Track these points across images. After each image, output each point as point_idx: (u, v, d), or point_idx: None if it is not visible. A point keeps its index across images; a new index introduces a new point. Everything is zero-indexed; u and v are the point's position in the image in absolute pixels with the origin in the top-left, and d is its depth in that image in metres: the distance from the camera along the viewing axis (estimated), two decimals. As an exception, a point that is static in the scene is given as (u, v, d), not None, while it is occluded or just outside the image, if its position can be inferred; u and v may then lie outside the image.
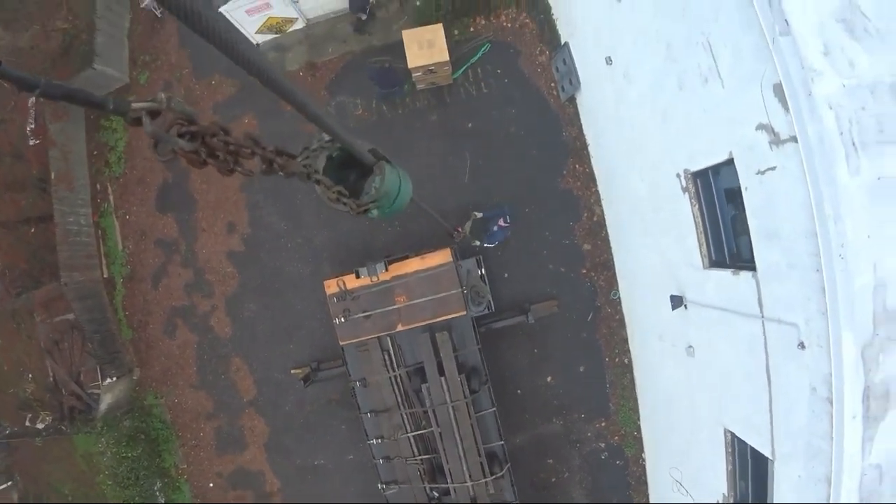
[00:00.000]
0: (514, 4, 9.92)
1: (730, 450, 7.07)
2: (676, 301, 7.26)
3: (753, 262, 5.66)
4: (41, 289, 10.18)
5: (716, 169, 6.16)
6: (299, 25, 10.21)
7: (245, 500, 10.53)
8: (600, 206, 9.54)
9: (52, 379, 11.38)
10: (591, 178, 9.53)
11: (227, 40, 1.31)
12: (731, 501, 7.02)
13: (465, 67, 9.84)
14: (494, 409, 8.85)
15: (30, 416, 11.71)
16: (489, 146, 9.65)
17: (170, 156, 1.47)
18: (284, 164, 1.87)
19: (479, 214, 9.29)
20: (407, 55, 8.93)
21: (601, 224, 9.51)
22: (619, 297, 9.49)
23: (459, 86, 9.82)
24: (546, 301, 9.46)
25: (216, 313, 10.34)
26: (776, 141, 4.90)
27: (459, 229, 8.24)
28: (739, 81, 5.14)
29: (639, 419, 9.45)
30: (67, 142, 10.44)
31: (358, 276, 8.64)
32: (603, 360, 9.54)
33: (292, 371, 10.02)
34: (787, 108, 4.64)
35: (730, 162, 5.66)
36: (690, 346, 7.41)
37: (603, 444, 9.54)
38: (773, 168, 5.03)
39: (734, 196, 6.00)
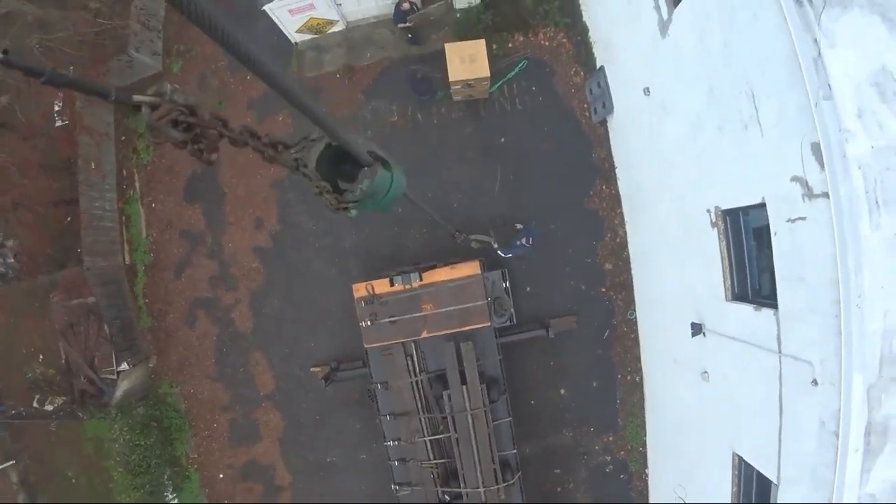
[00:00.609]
0: (552, 24, 10.15)
1: (736, 472, 7.45)
2: (696, 329, 7.60)
3: (775, 299, 6.01)
4: (64, 272, 10.16)
5: (746, 209, 6.47)
6: (339, 28, 10.31)
7: (254, 493, 10.69)
8: (624, 228, 9.84)
9: (64, 361, 11.37)
10: (616, 201, 9.83)
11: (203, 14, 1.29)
12: (736, 522, 7.39)
13: (501, 82, 10.04)
14: (510, 418, 9.14)
15: (38, 397, 11.69)
16: (520, 162, 9.89)
17: (162, 141, 1.59)
18: (275, 157, 1.99)
19: (520, 226, 9.32)
20: (448, 68, 9.10)
21: (623, 245, 9.83)
22: (635, 317, 9.83)
23: (495, 100, 10.02)
24: (566, 316, 9.76)
25: (239, 307, 10.45)
26: (809, 194, 5.23)
27: (458, 232, 8.15)
28: (779, 134, 5.45)
29: (645, 436, 9.82)
30: (97, 126, 10.41)
31: (392, 284, 8.82)
32: (615, 376, 9.88)
33: (312, 369, 10.19)
34: (822, 166, 4.97)
35: (761, 206, 5.98)
36: (705, 372, 7.76)
37: (609, 458, 9.91)
38: (804, 218, 5.36)
39: (761, 235, 6.33)
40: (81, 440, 11.37)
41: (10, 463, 12.26)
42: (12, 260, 11.24)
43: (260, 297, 10.41)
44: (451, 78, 9.09)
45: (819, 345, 5.43)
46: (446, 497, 9.21)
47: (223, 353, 10.59)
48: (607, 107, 9.52)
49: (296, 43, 10.41)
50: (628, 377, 9.89)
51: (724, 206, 6.77)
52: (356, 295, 9.10)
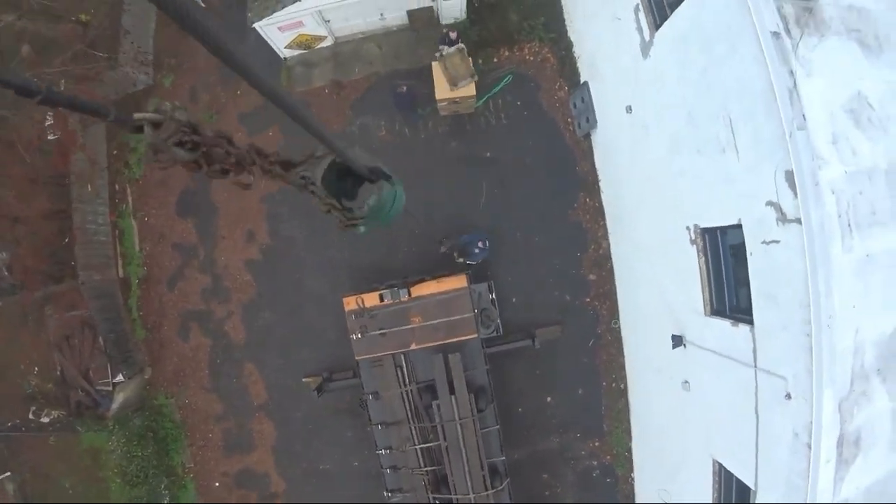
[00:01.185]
0: (537, 39, 10.33)
1: (717, 478, 7.75)
2: (677, 340, 7.86)
3: (751, 316, 6.26)
4: (59, 286, 10.29)
5: (724, 229, 6.71)
6: (328, 43, 10.45)
7: (249, 500, 10.91)
8: (607, 239, 10.08)
9: (59, 374, 11.50)
10: (600, 213, 10.06)
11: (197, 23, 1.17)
12: (715, 525, 7.69)
13: (487, 97, 10.22)
14: (498, 426, 9.39)
15: (34, 408, 11.82)
16: (505, 175, 10.09)
17: (170, 164, 1.47)
18: (282, 175, 1.93)
19: (466, 237, 9.49)
20: (435, 87, 9.27)
21: (607, 256, 10.07)
22: (619, 326, 10.09)
23: (480, 115, 10.21)
24: (551, 326, 10.00)
25: (232, 319, 10.62)
26: (782, 219, 5.46)
27: (444, 240, 8.61)
28: (755, 160, 5.68)
29: (630, 441, 10.11)
30: (89, 142, 10.51)
31: (382, 300, 9.03)
32: (600, 384, 10.15)
33: (304, 379, 10.39)
34: (795, 194, 5.19)
35: (738, 226, 6.22)
36: (686, 382, 8.03)
37: (595, 463, 10.19)
38: (777, 241, 5.60)
39: (739, 252, 6.57)
40: (77, 451, 11.52)
41: (6, 475, 12.40)
42: (7, 273, 11.35)
43: (252, 310, 10.59)
44: (438, 96, 9.27)
45: (792, 361, 5.70)
46: (437, 503, 9.47)
47: (217, 364, 10.77)
48: (591, 121, 9.73)
49: (285, 58, 10.54)
50: (613, 384, 10.16)
51: (703, 225, 7.01)
52: (347, 308, 9.29)
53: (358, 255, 10.31)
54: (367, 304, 9.21)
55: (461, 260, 9.33)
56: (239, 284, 10.57)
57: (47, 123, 11.04)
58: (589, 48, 9.77)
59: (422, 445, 9.33)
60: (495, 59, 10.30)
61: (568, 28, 10.36)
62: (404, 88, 9.56)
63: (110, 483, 10.79)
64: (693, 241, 7.21)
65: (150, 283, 10.84)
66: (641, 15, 7.57)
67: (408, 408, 9.34)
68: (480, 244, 9.11)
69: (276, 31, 9.70)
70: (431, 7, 10.02)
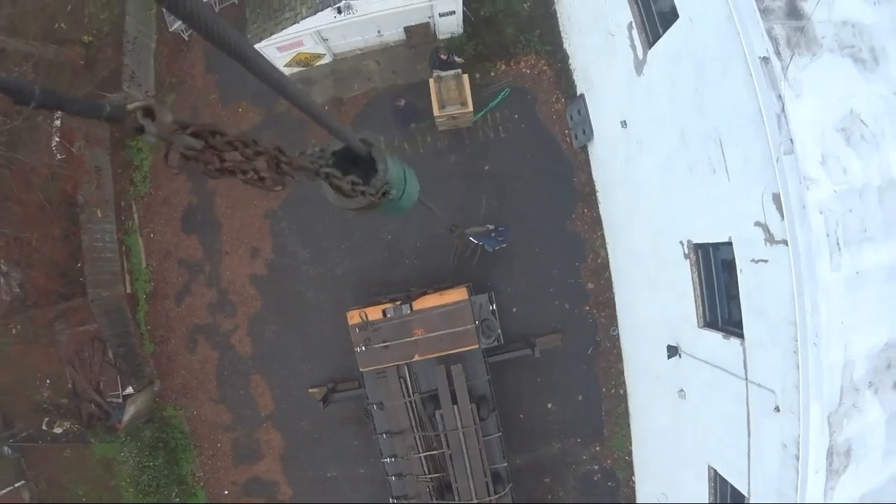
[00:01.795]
0: (533, 52, 10.46)
1: (713, 484, 7.96)
2: (672, 351, 8.05)
3: (742, 330, 6.44)
4: (69, 303, 10.53)
5: (716, 245, 6.88)
6: (326, 60, 10.60)
7: (258, 507, 11.19)
8: (605, 248, 10.26)
9: (70, 386, 11.77)
10: (597, 223, 10.23)
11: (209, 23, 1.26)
12: (713, 530, 7.90)
13: (484, 111, 10.37)
14: (500, 434, 9.62)
15: (46, 420, 12.11)
16: (504, 188, 10.26)
17: (182, 163, 1.42)
18: (291, 161, 1.79)
19: (491, 226, 9.85)
20: (433, 103, 9.43)
21: (605, 266, 10.25)
22: (617, 334, 10.29)
23: (479, 129, 10.37)
24: (550, 334, 10.20)
25: (238, 332, 10.85)
26: (770, 240, 5.63)
27: (457, 225, 8.61)
28: (744, 181, 5.84)
29: (631, 445, 10.33)
30: (95, 162, 10.71)
31: (385, 316, 9.24)
32: (600, 390, 10.36)
33: (310, 390, 10.63)
34: (782, 216, 5.35)
35: (728, 244, 6.38)
36: (682, 390, 8.23)
37: (597, 467, 10.42)
38: (766, 261, 5.77)
39: (731, 267, 6.74)
40: (90, 461, 11.81)
41: (22, 482, 12.72)
42: (18, 290, 11.60)
43: (258, 323, 10.82)
44: (436, 112, 9.42)
45: (781, 375, 5.88)
46: (441, 509, 9.72)
47: (224, 376, 11.01)
48: (587, 133, 9.88)
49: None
50: (612, 390, 10.37)
51: (696, 241, 7.18)
52: (351, 322, 9.50)
53: (360, 268, 10.52)
54: (371, 318, 9.42)
55: (475, 242, 9.31)
56: (244, 298, 10.79)
57: (53, 143, 11.25)
58: (584, 62, 9.91)
59: (426, 453, 9.57)
60: (492, 73, 10.44)
61: (564, 40, 10.49)
62: (402, 102, 9.71)
63: (123, 492, 11.07)
64: (686, 256, 7.39)
65: (158, 298, 11.07)
66: (635, 33, 7.71)
67: (412, 417, 9.56)
68: (500, 237, 9.24)
69: (275, 51, 9.87)
70: (428, 23, 10.17)
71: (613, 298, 10.26)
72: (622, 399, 10.36)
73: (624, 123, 8.52)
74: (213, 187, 10.86)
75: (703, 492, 8.11)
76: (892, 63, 5.89)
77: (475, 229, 9.20)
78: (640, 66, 7.77)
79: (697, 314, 7.40)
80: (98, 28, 11.82)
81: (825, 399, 5.60)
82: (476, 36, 10.37)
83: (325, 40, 9.98)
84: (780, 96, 5.40)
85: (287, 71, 10.61)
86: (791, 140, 5.30)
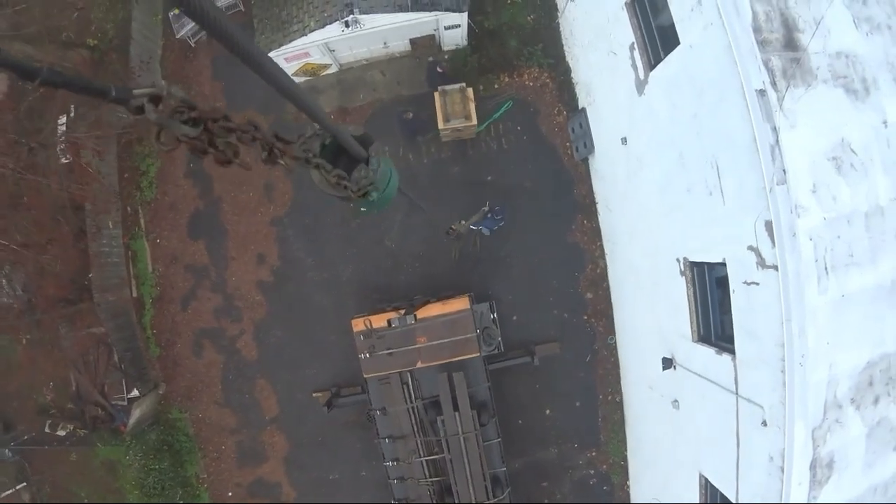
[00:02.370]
0: (536, 64, 10.66)
1: (703, 491, 8.28)
2: (667, 363, 8.33)
3: (734, 346, 6.73)
4: (76, 307, 10.66)
5: (710, 264, 7.15)
6: (333, 70, 10.75)
7: (261, 508, 11.42)
8: (604, 259, 10.52)
9: (74, 389, 11.91)
10: (597, 234, 10.49)
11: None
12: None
13: (488, 123, 10.58)
14: (499, 439, 9.90)
15: (49, 422, 12.24)
16: (505, 199, 10.47)
17: (174, 144, 1.46)
18: (284, 150, 1.85)
19: (486, 208, 10.00)
20: (438, 116, 9.62)
21: (603, 276, 10.51)
22: (615, 343, 10.57)
23: (482, 140, 10.58)
24: (549, 343, 10.47)
25: (244, 337, 11.04)
26: (762, 264, 5.90)
27: (453, 227, 8.81)
28: (739, 207, 6.09)
29: (626, 451, 10.65)
30: (101, 164, 10.81)
31: (391, 326, 9.47)
32: (597, 397, 10.66)
33: (314, 394, 10.85)
34: (773, 243, 5.61)
35: (723, 264, 6.65)
36: (676, 401, 8.53)
37: (593, 471, 10.73)
38: (757, 283, 6.04)
39: (724, 285, 7.01)
40: (92, 462, 11.98)
41: (23, 485, 12.86)
42: (21, 292, 11.71)
43: (263, 328, 11.01)
44: (441, 126, 9.61)
45: (768, 392, 6.18)
46: (442, 512, 10.00)
47: (229, 380, 11.21)
48: (588, 146, 10.11)
49: (291, 85, 10.82)
50: (609, 397, 10.67)
51: (692, 259, 7.44)
52: (355, 329, 9.73)
53: (364, 275, 10.72)
54: (375, 326, 9.64)
55: (473, 228, 9.50)
56: (250, 304, 10.97)
57: (59, 147, 11.34)
58: (586, 76, 10.12)
59: (427, 458, 9.83)
60: (496, 86, 10.64)
61: (566, 54, 10.70)
62: (410, 115, 9.90)
63: (127, 494, 11.26)
64: (682, 272, 7.65)
65: (164, 302, 11.22)
66: (637, 53, 7.92)
67: (414, 422, 9.82)
68: (496, 217, 9.38)
69: (283, 62, 10.00)
70: (433, 35, 10.33)
71: (611, 308, 10.53)
72: (618, 406, 10.66)
73: (624, 140, 8.75)
74: (220, 193, 11.01)
75: (694, 498, 8.43)
76: (882, 93, 6.13)
77: (472, 218, 9.40)
78: (641, 86, 7.99)
79: (692, 329, 7.67)
80: (103, 32, 11.89)
81: (810, 415, 5.90)
82: (480, 48, 10.55)
83: (332, 51, 10.12)
84: (774, 128, 5.63)
85: (294, 80, 10.74)
86: (784, 171, 5.55)
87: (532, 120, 10.60)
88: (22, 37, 11.15)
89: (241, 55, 1.55)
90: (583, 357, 10.61)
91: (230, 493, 11.45)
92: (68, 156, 11.27)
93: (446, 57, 10.59)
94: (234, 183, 10.94)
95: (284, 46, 9.28)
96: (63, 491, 12.25)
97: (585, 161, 10.54)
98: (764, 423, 6.33)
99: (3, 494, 12.42)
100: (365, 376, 9.87)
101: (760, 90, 5.65)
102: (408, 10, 8.82)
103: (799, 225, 5.56)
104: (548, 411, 10.75)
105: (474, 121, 9.58)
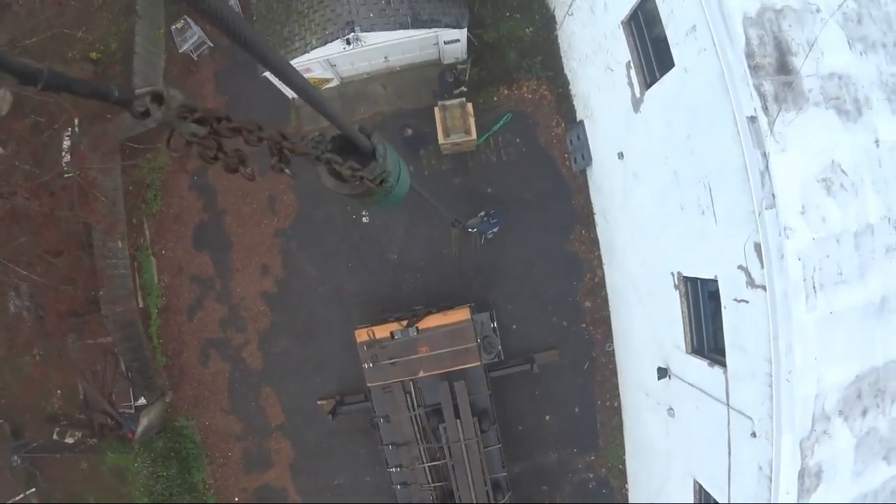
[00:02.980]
0: (535, 77, 10.83)
1: (697, 496, 8.54)
2: (662, 373, 8.57)
3: (725, 359, 6.95)
4: (83, 318, 10.87)
5: (703, 280, 7.36)
6: (334, 84, 10.90)
7: (268, 513, 11.68)
8: (602, 268, 10.74)
9: (82, 398, 12.14)
10: (595, 244, 10.70)
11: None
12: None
13: (487, 135, 10.76)
14: (500, 445, 10.16)
15: (57, 429, 12.46)
16: (505, 210, 10.67)
17: (184, 148, 1.44)
18: (293, 147, 1.82)
19: (483, 213, 10.29)
20: (438, 130, 9.80)
21: (601, 285, 10.73)
22: (613, 350, 10.81)
23: (481, 152, 10.76)
24: (549, 350, 10.70)
25: (249, 346, 11.26)
26: (751, 283, 6.11)
27: (459, 220, 9.14)
28: (729, 227, 6.30)
29: (624, 455, 10.91)
30: (106, 180, 10.98)
31: (393, 337, 9.69)
32: (595, 402, 10.90)
33: (318, 402, 11.09)
34: (762, 264, 5.82)
35: (715, 281, 6.86)
36: (671, 409, 8.77)
37: (591, 475, 11.00)
38: (747, 301, 6.26)
39: (717, 299, 7.24)
40: (100, 469, 12.21)
41: (32, 490, 13.10)
42: (28, 302, 11.90)
43: (268, 338, 11.22)
44: (441, 140, 9.79)
45: (758, 405, 6.41)
46: (445, 516, 10.27)
47: (235, 388, 11.43)
48: (586, 158, 10.31)
49: (293, 98, 11.00)
50: (607, 403, 10.92)
51: (686, 274, 7.66)
52: (359, 340, 9.95)
53: (367, 285, 10.93)
54: (378, 336, 9.86)
55: (472, 230, 9.89)
56: (254, 314, 11.18)
57: (64, 161, 11.50)
58: (584, 90, 10.29)
59: (429, 464, 10.09)
60: (495, 98, 10.81)
61: (564, 66, 10.86)
62: (409, 132, 10.07)
63: (136, 501, 11.51)
64: (676, 286, 7.87)
65: (170, 312, 11.43)
66: (633, 72, 8.10)
67: (416, 430, 10.07)
68: (491, 220, 9.76)
69: (286, 76, 10.14)
70: (434, 49, 10.48)
71: (609, 316, 10.76)
72: (616, 412, 10.91)
73: (621, 155, 8.94)
74: (224, 205, 11.19)
75: (688, 502, 8.69)
76: (874, 112, 6.24)
77: (472, 221, 9.85)
78: (637, 103, 8.18)
79: (685, 341, 7.90)
80: (106, 45, 12.03)
81: (797, 427, 6.11)
82: (480, 61, 10.71)
83: (333, 66, 10.28)
84: (764, 154, 5.78)
85: (294, 94, 10.88)
86: (773, 195, 5.73)
87: (531, 132, 10.79)
88: (26, 49, 11.28)
89: (249, 50, 1.56)
90: (581, 364, 10.85)
91: (236, 499, 11.70)
92: (74, 169, 11.44)
93: (458, 66, 10.72)
94: (238, 195, 11.12)
95: (287, 63, 9.43)
96: (72, 496, 12.49)
97: (583, 172, 10.73)
98: (753, 435, 6.56)
99: (14, 500, 12.66)
100: (368, 385, 10.10)
101: (751, 117, 5.82)
102: (408, 28, 8.97)
103: (787, 246, 5.75)
104: (547, 417, 11.00)
105: (474, 135, 9.77)
